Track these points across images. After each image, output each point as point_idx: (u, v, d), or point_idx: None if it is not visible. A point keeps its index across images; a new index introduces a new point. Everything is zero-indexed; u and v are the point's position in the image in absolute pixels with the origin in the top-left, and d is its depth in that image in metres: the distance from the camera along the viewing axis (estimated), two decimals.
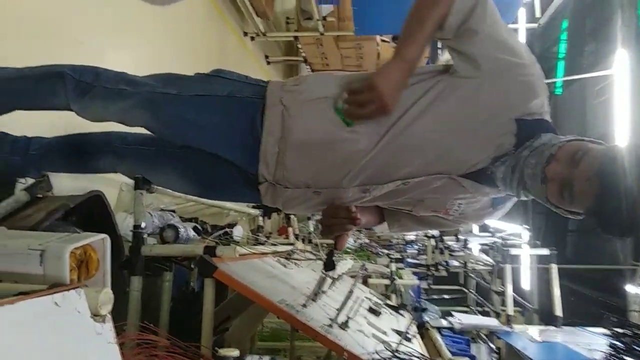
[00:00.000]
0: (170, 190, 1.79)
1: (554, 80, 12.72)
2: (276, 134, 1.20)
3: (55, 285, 0.66)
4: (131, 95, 1.31)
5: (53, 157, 1.59)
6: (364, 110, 1.13)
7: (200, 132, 1.27)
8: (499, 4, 1.15)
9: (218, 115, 1.25)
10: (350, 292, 1.81)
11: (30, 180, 1.61)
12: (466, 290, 6.88)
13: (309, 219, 5.02)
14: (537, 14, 4.59)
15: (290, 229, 4.56)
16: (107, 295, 0.69)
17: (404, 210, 1.33)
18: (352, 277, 3.21)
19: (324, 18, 4.98)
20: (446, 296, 8.36)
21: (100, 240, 0.89)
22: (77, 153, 1.57)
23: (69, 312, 0.64)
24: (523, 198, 1.18)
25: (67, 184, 1.81)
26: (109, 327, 0.70)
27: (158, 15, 3.08)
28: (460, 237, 5.21)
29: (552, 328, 3.70)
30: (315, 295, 1.81)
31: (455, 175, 1.17)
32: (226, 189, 1.41)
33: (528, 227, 5.64)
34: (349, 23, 4.84)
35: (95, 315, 0.68)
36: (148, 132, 1.45)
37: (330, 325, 1.60)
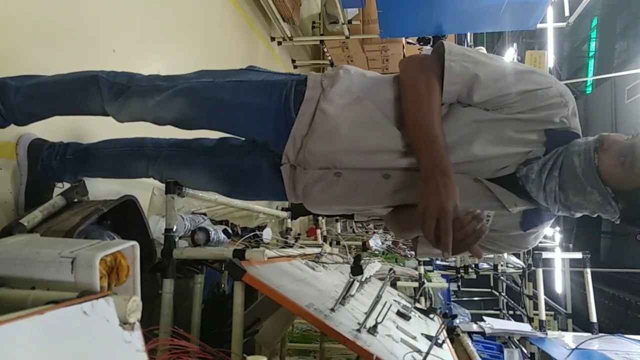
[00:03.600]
0: (201, 193, 1.82)
1: (583, 79, 12.42)
2: (308, 116, 1.22)
3: (85, 294, 0.66)
4: (168, 88, 1.35)
5: (89, 162, 1.63)
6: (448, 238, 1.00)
7: (235, 114, 1.30)
8: (524, 5, 1.14)
9: (252, 97, 1.28)
10: (379, 296, 1.80)
11: (66, 185, 1.66)
12: (497, 293, 6.76)
13: (337, 221, 5.01)
14: (567, 12, 4.48)
15: (318, 231, 4.56)
16: (135, 303, 0.69)
17: None
18: (380, 279, 3.20)
19: (350, 22, 4.96)
20: (476, 298, 8.22)
21: (130, 248, 0.89)
22: (112, 158, 1.61)
23: (98, 321, 0.64)
24: (553, 206, 1.14)
25: (102, 189, 1.86)
26: (137, 335, 0.69)
27: (189, 23, 3.13)
28: None
29: (587, 334, 3.59)
30: (344, 299, 1.81)
31: (482, 178, 1.16)
32: (253, 183, 1.41)
33: (560, 228, 5.50)
34: (374, 26, 4.82)
35: (124, 323, 0.67)
36: (179, 138, 1.48)
37: (358, 330, 1.60)
